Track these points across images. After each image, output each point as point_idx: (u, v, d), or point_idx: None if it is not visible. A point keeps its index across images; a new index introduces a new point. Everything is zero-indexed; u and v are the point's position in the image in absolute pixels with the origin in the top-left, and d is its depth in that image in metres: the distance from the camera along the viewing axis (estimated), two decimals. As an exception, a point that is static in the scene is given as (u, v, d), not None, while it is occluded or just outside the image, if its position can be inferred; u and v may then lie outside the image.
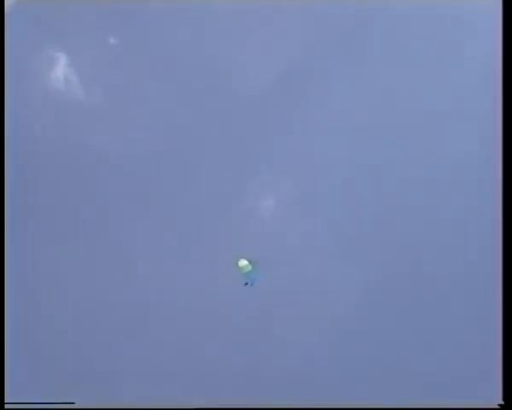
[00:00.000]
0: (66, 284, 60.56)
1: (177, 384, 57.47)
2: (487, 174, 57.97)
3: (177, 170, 63.74)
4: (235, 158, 63.83)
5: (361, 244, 60.77)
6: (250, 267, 49.74)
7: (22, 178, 62.41)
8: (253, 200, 63.53)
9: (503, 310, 44.33)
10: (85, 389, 56.77)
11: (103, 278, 60.49)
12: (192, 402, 49.61)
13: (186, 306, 59.98)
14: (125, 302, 60.20)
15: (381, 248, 60.12)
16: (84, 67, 64.82)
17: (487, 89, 57.88)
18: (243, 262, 49.80)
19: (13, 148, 60.14)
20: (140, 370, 58.39)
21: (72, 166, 63.49)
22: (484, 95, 59.77)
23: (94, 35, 64.65)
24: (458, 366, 56.95)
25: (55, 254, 61.44)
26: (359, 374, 57.86)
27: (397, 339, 58.74)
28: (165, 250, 61.88)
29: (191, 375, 58.06)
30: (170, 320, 59.53)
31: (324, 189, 62.45)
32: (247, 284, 50.21)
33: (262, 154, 64.04)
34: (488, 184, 56.79)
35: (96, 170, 63.44)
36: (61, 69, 64.87)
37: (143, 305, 59.86)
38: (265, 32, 64.12)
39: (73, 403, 48.99)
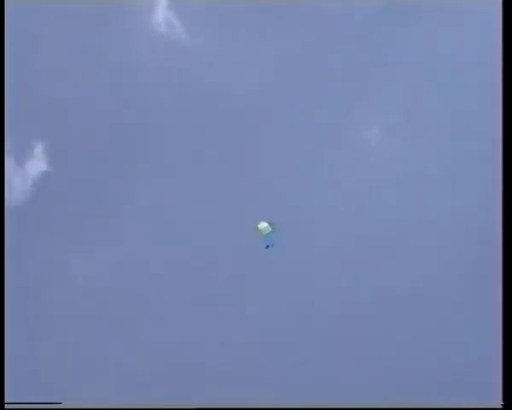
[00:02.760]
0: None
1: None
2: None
3: (283, 105, 64.56)
4: (341, 89, 64.96)
5: (468, 174, 60.91)
6: (270, 230, 49.66)
7: (133, 119, 63.74)
8: (360, 129, 64.35)
9: (503, 310, 44.31)
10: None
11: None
12: (192, 402, 49.60)
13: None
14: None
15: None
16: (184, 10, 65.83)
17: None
18: (263, 225, 49.73)
19: (122, 91, 63.44)
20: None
21: (182, 106, 64.67)
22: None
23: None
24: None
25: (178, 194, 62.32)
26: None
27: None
28: (283, 179, 62.89)
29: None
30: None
31: (432, 117, 62.63)
32: (267, 246, 50.36)
33: (369, 82, 64.89)
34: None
35: (204, 109, 64.45)
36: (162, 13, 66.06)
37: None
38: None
39: (75, 403, 48.99)
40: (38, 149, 62.49)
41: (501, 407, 43.28)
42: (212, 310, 59.36)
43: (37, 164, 62.20)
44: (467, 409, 47.04)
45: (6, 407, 45.64)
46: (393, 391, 55.41)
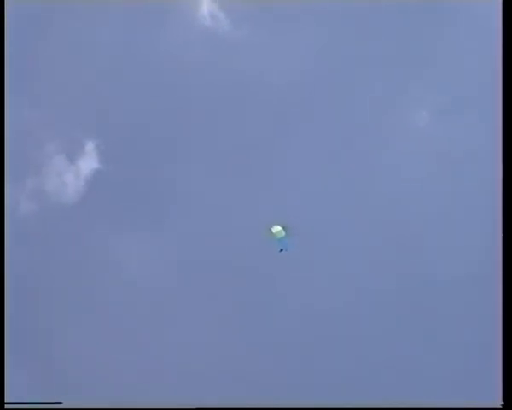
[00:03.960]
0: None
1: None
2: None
3: (328, 92, 65.45)
4: (388, 73, 65.47)
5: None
6: (283, 233, 49.85)
7: (180, 114, 64.49)
8: (407, 112, 64.90)
9: (503, 310, 44.30)
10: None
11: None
12: (192, 402, 49.60)
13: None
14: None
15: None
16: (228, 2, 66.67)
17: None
18: (277, 228, 49.96)
19: (169, 86, 64.05)
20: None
21: (227, 98, 65.24)
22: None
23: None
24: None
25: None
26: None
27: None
28: (332, 164, 63.67)
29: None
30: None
31: (480, 97, 62.66)
32: (281, 250, 50.51)
33: (416, 64, 65.37)
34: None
35: (249, 100, 65.17)
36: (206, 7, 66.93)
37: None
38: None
39: (75, 403, 49.00)
40: (89, 146, 63.37)
41: (501, 406, 43.29)
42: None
43: (88, 162, 63.11)
44: (467, 409, 47.03)
45: (6, 407, 45.62)
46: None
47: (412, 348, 58.39)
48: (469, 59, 64.67)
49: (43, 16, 65.15)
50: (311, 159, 63.61)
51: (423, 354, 58.20)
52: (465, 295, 59.26)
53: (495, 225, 53.73)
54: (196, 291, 59.39)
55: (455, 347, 57.93)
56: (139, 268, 60.30)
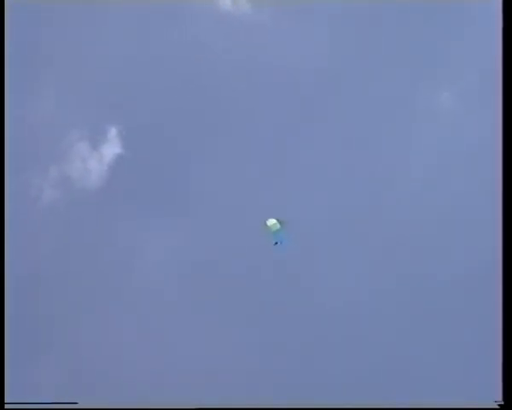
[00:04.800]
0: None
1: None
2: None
3: (351, 77, 65.94)
4: (409, 57, 65.80)
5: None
6: (278, 226, 49.95)
7: (202, 99, 65.02)
8: (430, 94, 65.28)
9: (503, 310, 44.28)
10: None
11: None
12: (192, 402, 49.55)
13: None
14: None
15: None
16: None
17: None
18: (272, 221, 50.07)
19: (190, 72, 64.64)
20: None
21: (249, 83, 65.93)
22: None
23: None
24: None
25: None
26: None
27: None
28: (356, 149, 64.26)
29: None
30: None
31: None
32: (276, 243, 50.58)
33: (438, 48, 65.98)
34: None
35: (271, 85, 65.67)
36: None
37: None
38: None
39: (76, 403, 48.96)
40: (112, 132, 64.06)
41: (500, 407, 43.28)
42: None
43: (111, 147, 63.82)
44: (467, 409, 47.00)
45: (6, 406, 45.61)
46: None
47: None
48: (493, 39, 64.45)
49: (62, 8, 65.68)
50: (334, 146, 64.18)
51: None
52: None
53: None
54: (219, 278, 59.30)
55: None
56: (163, 254, 60.60)
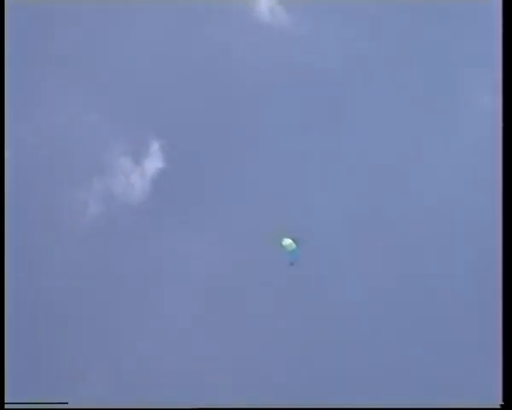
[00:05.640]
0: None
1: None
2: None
3: (392, 82, 65.47)
4: (447, 57, 65.74)
5: None
6: (294, 246, 50.05)
7: (242, 111, 64.85)
8: (473, 96, 64.81)
9: (503, 310, 44.31)
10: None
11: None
12: (192, 402, 49.59)
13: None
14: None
15: None
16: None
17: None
18: (287, 241, 50.16)
19: (229, 84, 64.72)
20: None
21: (287, 94, 65.34)
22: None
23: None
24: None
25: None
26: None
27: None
28: (395, 151, 63.79)
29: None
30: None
31: None
32: (292, 263, 50.81)
33: (476, 46, 65.40)
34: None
35: (310, 96, 65.20)
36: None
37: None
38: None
39: (76, 403, 48.96)
40: (154, 146, 63.77)
41: (500, 407, 43.30)
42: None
43: (153, 162, 63.52)
44: (467, 409, 47.03)
45: (6, 406, 45.63)
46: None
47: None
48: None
49: (104, 17, 66.14)
50: (376, 149, 63.75)
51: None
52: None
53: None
54: (261, 290, 59.41)
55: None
56: (205, 267, 60.38)
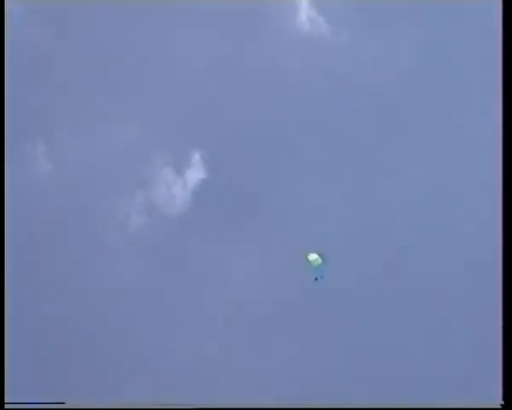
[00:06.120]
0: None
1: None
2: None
3: (432, 97, 65.48)
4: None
5: None
6: (320, 261, 49.97)
7: (283, 119, 65.18)
8: None
9: (503, 310, 44.31)
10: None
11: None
12: (192, 402, 49.57)
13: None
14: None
15: None
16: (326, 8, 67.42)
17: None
18: (313, 256, 50.07)
19: (269, 93, 65.09)
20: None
21: (328, 102, 65.65)
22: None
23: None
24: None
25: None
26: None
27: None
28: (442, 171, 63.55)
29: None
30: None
31: None
32: (316, 279, 50.70)
33: None
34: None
35: (351, 104, 65.57)
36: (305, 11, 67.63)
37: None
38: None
39: (76, 403, 48.99)
40: (195, 157, 64.17)
41: (500, 406, 43.31)
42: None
43: (195, 173, 64.03)
44: (467, 409, 47.02)
45: (6, 406, 45.65)
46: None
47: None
48: None
49: (146, 30, 66.69)
50: (416, 165, 63.75)
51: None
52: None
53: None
54: (304, 305, 59.52)
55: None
56: (247, 279, 60.71)
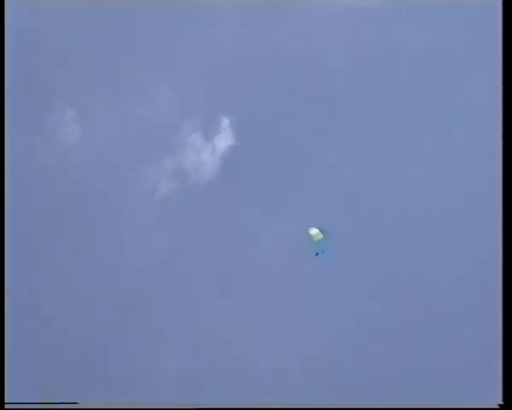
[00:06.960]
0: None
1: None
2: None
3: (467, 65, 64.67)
4: None
5: None
6: (321, 236, 49.50)
7: (314, 87, 64.30)
8: None
9: (503, 311, 44.33)
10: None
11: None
12: (192, 402, 49.57)
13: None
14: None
15: None
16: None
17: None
18: (314, 231, 49.59)
19: (301, 63, 64.25)
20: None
21: (359, 70, 64.91)
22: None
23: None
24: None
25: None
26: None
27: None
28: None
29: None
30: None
31: None
32: (317, 254, 50.36)
33: None
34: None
35: (383, 71, 64.75)
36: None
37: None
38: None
39: (77, 403, 48.96)
40: (224, 123, 63.81)
41: (500, 407, 43.32)
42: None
43: (224, 139, 63.60)
44: (467, 409, 47.04)
45: (6, 406, 45.66)
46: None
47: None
48: None
49: (172, 6, 65.91)
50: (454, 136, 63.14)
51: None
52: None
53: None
54: (333, 272, 58.74)
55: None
56: (275, 246, 60.17)
